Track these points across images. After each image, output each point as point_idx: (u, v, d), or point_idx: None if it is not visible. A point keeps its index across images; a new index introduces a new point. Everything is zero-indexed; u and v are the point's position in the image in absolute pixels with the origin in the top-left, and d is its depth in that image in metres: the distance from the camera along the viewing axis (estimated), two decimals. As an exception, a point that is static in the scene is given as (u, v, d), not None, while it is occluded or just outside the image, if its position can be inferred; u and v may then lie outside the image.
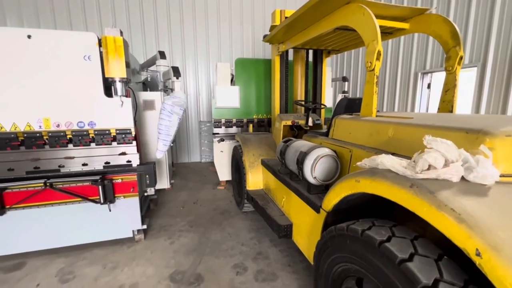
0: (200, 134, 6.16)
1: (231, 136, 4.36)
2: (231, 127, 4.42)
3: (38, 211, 2.42)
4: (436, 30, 2.17)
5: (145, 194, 2.96)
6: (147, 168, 2.63)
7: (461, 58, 2.08)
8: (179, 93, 2.18)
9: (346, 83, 4.72)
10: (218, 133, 4.35)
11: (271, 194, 2.76)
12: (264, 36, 3.57)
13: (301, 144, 2.08)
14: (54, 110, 2.34)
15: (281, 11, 3.45)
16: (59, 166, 2.43)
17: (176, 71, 2.17)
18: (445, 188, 0.98)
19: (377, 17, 1.82)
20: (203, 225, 3.13)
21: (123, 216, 2.64)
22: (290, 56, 3.66)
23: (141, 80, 3.37)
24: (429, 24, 2.19)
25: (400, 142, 1.51)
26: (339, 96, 4.55)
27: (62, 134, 2.39)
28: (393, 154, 1.42)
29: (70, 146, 2.43)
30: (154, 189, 2.84)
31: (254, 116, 4.50)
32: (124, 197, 2.61)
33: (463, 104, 4.05)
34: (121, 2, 5.37)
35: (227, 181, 4.57)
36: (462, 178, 1.04)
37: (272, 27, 3.46)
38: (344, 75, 5.88)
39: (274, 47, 3.53)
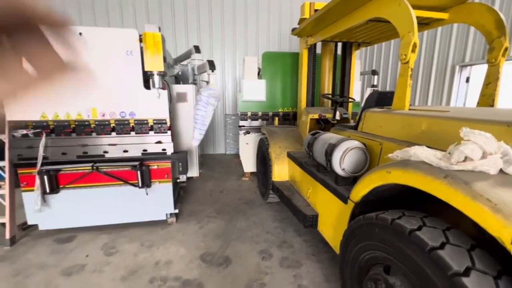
0: (225, 126, 6.34)
1: (257, 129, 4.45)
2: (257, 120, 4.50)
3: (86, 192, 2.70)
4: (478, 20, 2.06)
5: (178, 180, 3.16)
6: (180, 156, 2.81)
7: (506, 49, 1.96)
8: (214, 85, 2.30)
9: (376, 76, 4.57)
10: (244, 126, 4.47)
11: (297, 186, 2.82)
12: (293, 30, 3.58)
13: (329, 136, 2.11)
14: (100, 101, 2.58)
15: (310, 3, 3.42)
16: (104, 152, 2.68)
17: (211, 65, 2.29)
18: (481, 179, 0.98)
19: (414, 7, 1.77)
20: (229, 213, 3.28)
21: (158, 200, 2.86)
22: (318, 49, 3.64)
23: (174, 74, 3.56)
24: (471, 14, 2.09)
25: (434, 135, 1.49)
26: (368, 90, 4.43)
27: (106, 123, 2.63)
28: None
29: (113, 134, 2.67)
30: (186, 176, 3.02)
31: (280, 110, 4.54)
32: (159, 182, 2.82)
33: (506, 98, 3.77)
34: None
35: (251, 173, 4.69)
36: (501, 171, 1.03)
37: (301, 20, 3.45)
38: (374, 68, 5.69)
39: (303, 40, 3.53)
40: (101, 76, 2.53)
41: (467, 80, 4.30)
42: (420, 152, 1.18)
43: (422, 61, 4.81)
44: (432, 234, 1.06)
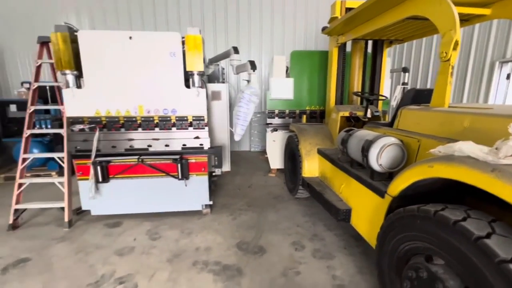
0: (250, 124, 6.49)
1: (284, 126, 4.55)
2: (284, 117, 4.60)
3: (132, 182, 2.96)
4: (525, 15, 2.01)
5: (213, 174, 3.35)
6: (217, 151, 2.99)
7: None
8: (255, 84, 2.44)
9: (406, 74, 4.49)
10: (271, 123, 4.59)
11: (328, 181, 2.90)
12: (323, 29, 3.63)
13: (365, 133, 2.17)
14: (146, 99, 2.82)
15: (341, 2, 3.45)
16: (148, 146, 2.92)
17: (252, 65, 2.43)
18: (531, 173, 1.02)
19: (455, 4, 1.78)
20: (259, 206, 3.42)
21: (195, 192, 3.06)
22: (348, 48, 3.65)
23: (208, 73, 3.75)
24: (517, 9, 2.04)
25: (477, 132, 1.51)
26: (398, 88, 4.36)
27: (151, 119, 2.87)
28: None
29: (157, 129, 2.90)
30: (221, 170, 3.20)
31: (307, 108, 4.60)
32: (197, 175, 3.02)
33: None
34: (184, 4, 5.89)
35: (277, 169, 4.80)
36: (551, 165, 1.06)
37: (332, 19, 3.49)
38: (403, 65, 5.55)
39: (333, 38, 3.57)
40: (147, 76, 2.76)
41: (508, 76, 4.10)
42: (466, 147, 1.23)
43: (458, 57, 4.63)
44: (477, 225, 1.12)
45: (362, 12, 2.49)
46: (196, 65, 2.74)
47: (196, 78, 2.81)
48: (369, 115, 3.12)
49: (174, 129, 2.91)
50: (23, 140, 2.93)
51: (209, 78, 4.22)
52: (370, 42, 3.62)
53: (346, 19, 2.81)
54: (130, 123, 2.85)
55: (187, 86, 2.87)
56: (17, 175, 2.91)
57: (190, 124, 2.92)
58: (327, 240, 2.64)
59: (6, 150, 4.87)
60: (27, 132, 2.95)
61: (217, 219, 3.07)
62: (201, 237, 2.69)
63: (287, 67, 4.66)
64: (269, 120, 4.57)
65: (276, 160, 4.64)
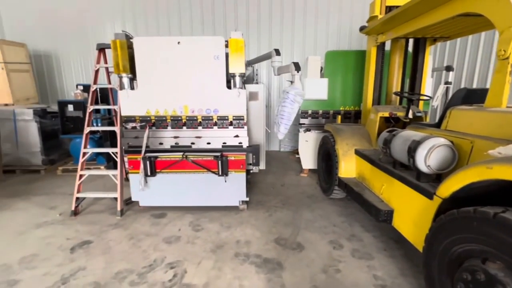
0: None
1: (317, 127, 4.55)
2: (317, 118, 4.61)
3: (176, 176, 3.18)
4: None
5: (251, 171, 3.48)
6: (255, 149, 3.11)
7: None
8: (299, 84, 2.52)
9: (451, 72, 4.25)
10: (304, 124, 4.61)
11: (366, 182, 2.87)
12: (361, 28, 3.59)
13: (411, 134, 2.14)
14: (191, 99, 3.02)
15: (381, 0, 3.39)
16: (191, 143, 3.12)
17: (297, 66, 2.51)
18: None
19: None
20: (294, 205, 3.48)
21: (233, 188, 3.20)
22: (387, 46, 3.57)
23: (246, 75, 3.89)
24: None
25: (542, 133, 1.44)
26: (441, 87, 4.15)
27: (195, 118, 3.06)
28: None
29: (200, 128, 3.09)
30: (258, 167, 3.32)
31: (341, 108, 4.56)
32: (235, 172, 3.16)
33: None
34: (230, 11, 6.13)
35: (309, 170, 4.81)
36: None
37: (371, 18, 3.45)
38: (446, 64, 5.25)
39: (372, 38, 3.52)
40: (192, 78, 2.95)
41: None
42: (532, 148, 1.19)
43: None
44: (546, 228, 1.09)
45: (408, 10, 2.44)
46: (238, 67, 2.88)
47: (238, 79, 2.95)
48: (410, 115, 3.04)
49: (215, 128, 3.08)
50: (84, 136, 3.28)
51: (245, 79, 4.37)
52: (410, 40, 3.51)
53: (388, 17, 2.77)
54: (176, 122, 3.07)
55: (228, 87, 3.02)
56: (79, 167, 3.27)
57: (231, 123, 3.07)
58: (366, 241, 2.62)
59: (63, 146, 5.45)
60: (87, 129, 3.30)
61: (253, 215, 3.19)
62: (240, 231, 2.82)
63: (321, 67, 4.65)
64: (302, 121, 4.60)
65: (308, 160, 4.66)
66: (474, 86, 4.87)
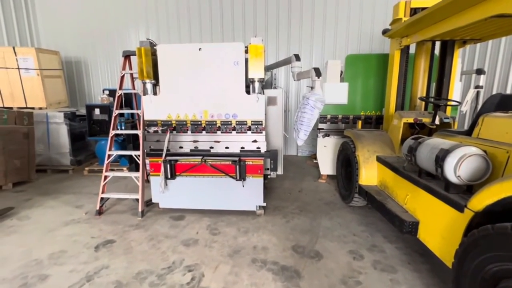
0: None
1: (336, 132, 4.46)
2: (336, 123, 4.51)
3: (195, 180, 3.24)
4: None
5: (268, 176, 3.47)
6: (273, 154, 3.10)
7: None
8: (319, 90, 2.49)
9: (482, 76, 4.00)
10: (323, 128, 4.54)
11: (389, 191, 2.76)
12: (384, 31, 3.49)
13: (439, 141, 2.03)
14: (210, 104, 3.07)
15: (406, 2, 3.29)
16: (210, 147, 3.17)
17: (317, 72, 2.48)
18: None
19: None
20: (312, 212, 3.42)
21: (251, 193, 3.20)
22: (411, 50, 3.44)
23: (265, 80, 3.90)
24: None
25: None
26: (471, 92, 3.92)
27: (214, 123, 3.11)
28: None
29: (219, 132, 3.13)
30: (276, 173, 3.30)
31: (361, 113, 4.44)
32: (253, 177, 3.16)
33: None
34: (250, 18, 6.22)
35: (328, 175, 4.71)
36: None
37: (395, 21, 3.35)
38: (477, 67, 4.96)
39: (395, 41, 3.41)
40: (212, 83, 3.00)
41: None
42: None
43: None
44: None
45: (436, 11, 2.33)
46: (257, 73, 2.90)
47: (257, 84, 2.96)
48: (437, 121, 2.89)
49: (234, 132, 3.11)
50: (109, 139, 3.44)
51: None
52: (437, 43, 3.36)
53: (414, 20, 2.67)
54: (196, 126, 3.13)
55: (247, 92, 3.04)
56: (104, 168, 3.42)
57: (249, 128, 3.08)
58: (388, 253, 2.51)
59: (89, 147, 5.74)
60: (112, 132, 3.45)
61: (270, 221, 3.16)
62: (257, 237, 2.81)
63: (341, 71, 4.57)
64: (320, 125, 4.53)
65: (327, 166, 4.57)
66: (509, 91, 4.55)
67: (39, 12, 6.83)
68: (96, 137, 5.16)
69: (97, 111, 5.06)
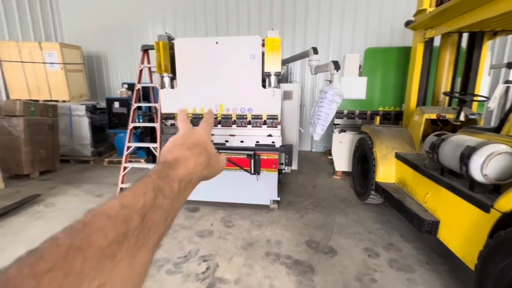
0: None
1: (353, 128, 4.36)
2: (353, 118, 4.41)
3: (210, 173, 3.28)
4: None
5: (282, 171, 3.46)
6: (288, 149, 3.08)
7: None
8: (337, 83, 2.43)
9: (512, 70, 3.76)
10: (339, 124, 4.45)
11: (408, 189, 2.68)
12: (407, 23, 3.35)
13: (464, 138, 1.94)
14: (226, 98, 3.08)
15: (431, -8, 3.12)
16: (225, 141, 3.20)
17: (336, 65, 2.43)
18: None
19: None
20: (326, 208, 3.38)
21: (265, 187, 3.21)
22: (435, 42, 3.28)
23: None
24: None
25: None
26: (500, 87, 3.69)
27: (229, 117, 3.12)
28: None
29: (234, 126, 3.14)
30: (291, 168, 3.29)
31: (380, 108, 4.31)
32: (267, 171, 3.17)
33: None
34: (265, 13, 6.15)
35: (343, 172, 4.63)
36: None
37: (419, 12, 3.19)
38: (507, 60, 4.66)
39: (419, 33, 3.26)
40: (229, 77, 3.01)
41: None
42: None
43: None
44: None
45: (466, 1, 2.20)
46: (273, 66, 2.87)
47: (273, 78, 2.94)
48: (462, 118, 2.76)
49: (249, 126, 3.11)
50: (128, 131, 3.55)
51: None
52: (464, 35, 3.18)
53: (441, 10, 2.53)
54: (211, 120, 3.15)
55: (263, 86, 3.02)
56: (123, 160, 3.54)
57: (264, 123, 3.07)
58: (405, 252, 2.45)
59: (109, 139, 5.95)
60: (130, 125, 3.55)
61: (284, 215, 3.17)
62: (271, 231, 2.82)
63: (359, 65, 4.43)
64: (336, 121, 4.44)
65: (342, 162, 4.49)
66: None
67: (62, 8, 7.08)
68: (115, 130, 5.33)
69: (116, 104, 5.22)
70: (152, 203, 0.30)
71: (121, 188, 3.49)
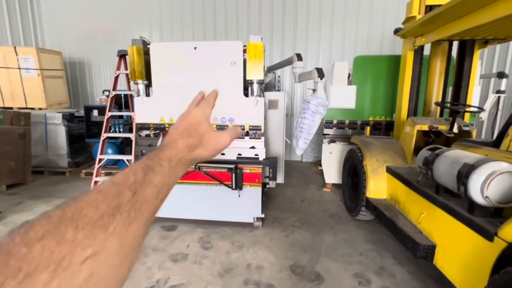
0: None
1: (343, 138, 4.18)
2: (343, 128, 4.24)
3: (189, 188, 3.02)
4: None
5: (267, 186, 3.23)
6: (272, 162, 2.86)
7: None
8: (322, 93, 2.24)
9: (504, 80, 3.66)
10: (328, 134, 4.27)
11: (400, 206, 2.47)
12: (396, 30, 3.22)
13: (461, 154, 1.75)
14: (206, 107, 2.85)
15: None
16: (205, 153, 2.95)
17: (320, 73, 2.24)
18: None
19: None
20: (314, 225, 3.14)
21: (247, 203, 2.97)
22: (425, 51, 3.16)
23: (266, 82, 3.68)
24: None
25: None
26: (491, 97, 3.59)
27: (209, 127, 2.89)
28: None
29: (214, 137, 2.90)
30: (276, 182, 3.05)
31: (370, 118, 4.15)
32: (250, 186, 2.92)
33: None
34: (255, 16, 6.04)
35: (333, 184, 4.43)
36: None
37: (408, 19, 3.08)
38: (497, 70, 4.60)
39: (408, 41, 3.14)
40: (208, 84, 2.79)
41: None
42: None
43: None
44: None
45: (456, 7, 2.07)
46: (256, 74, 2.67)
47: (255, 86, 2.74)
48: (455, 130, 2.60)
49: (230, 138, 2.88)
50: (101, 142, 3.28)
51: (265, 86, 4.16)
52: (455, 43, 3.07)
53: (430, 17, 2.40)
54: (190, 131, 2.92)
55: (246, 94, 2.82)
56: (94, 172, 3.26)
57: (247, 134, 2.85)
58: (398, 277, 2.22)
59: (88, 149, 5.62)
60: (104, 135, 3.29)
61: (268, 234, 2.91)
62: (252, 253, 2.56)
63: (349, 74, 4.30)
64: (326, 131, 4.26)
65: (332, 174, 4.28)
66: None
67: (44, 13, 6.82)
68: (94, 139, 5.03)
69: (95, 112, 4.95)
70: (142, 180, 0.32)
71: (91, 205, 3.19)
